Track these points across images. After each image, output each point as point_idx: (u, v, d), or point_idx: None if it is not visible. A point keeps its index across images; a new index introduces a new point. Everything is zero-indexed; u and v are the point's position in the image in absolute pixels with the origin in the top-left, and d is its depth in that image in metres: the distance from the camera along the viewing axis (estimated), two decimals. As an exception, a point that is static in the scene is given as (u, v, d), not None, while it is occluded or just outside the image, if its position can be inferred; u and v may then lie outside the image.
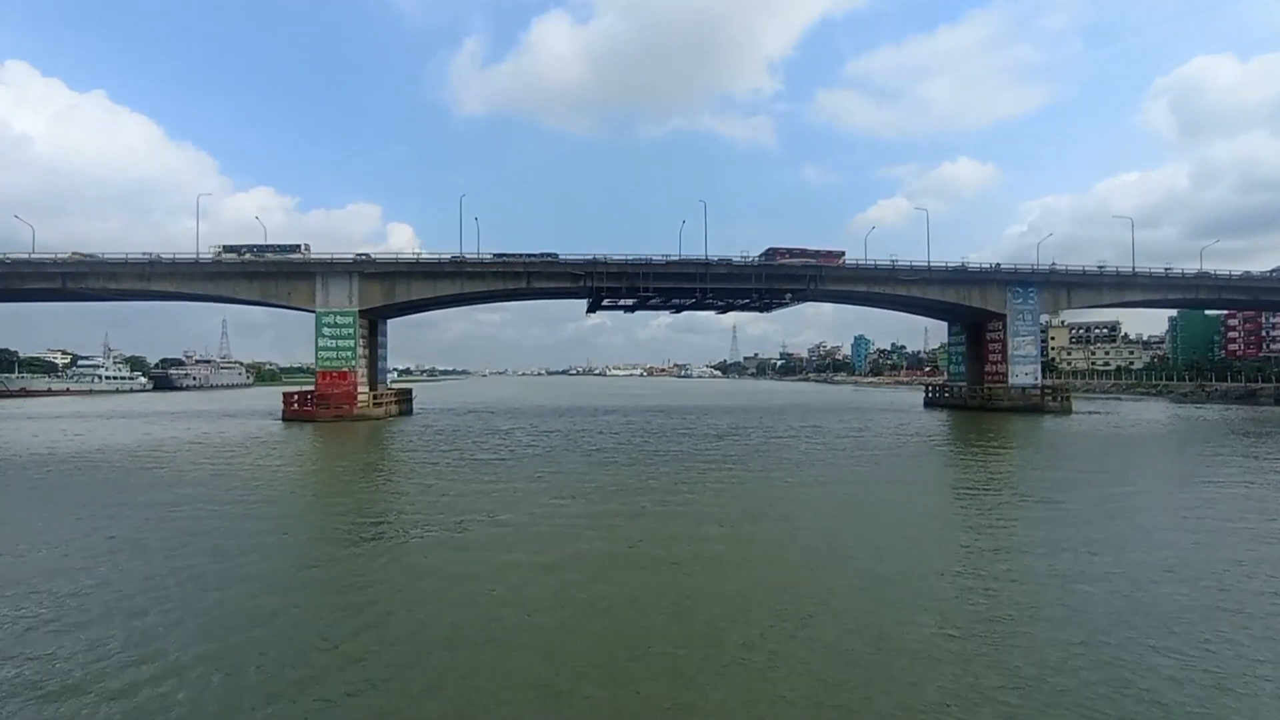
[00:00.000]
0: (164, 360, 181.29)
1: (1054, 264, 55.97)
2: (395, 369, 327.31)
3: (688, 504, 17.36)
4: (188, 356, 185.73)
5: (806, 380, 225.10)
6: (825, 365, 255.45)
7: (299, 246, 49.16)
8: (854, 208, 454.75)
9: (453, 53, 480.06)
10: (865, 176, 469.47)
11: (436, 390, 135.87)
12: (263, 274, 48.03)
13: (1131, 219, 74.38)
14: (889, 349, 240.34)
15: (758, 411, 57.66)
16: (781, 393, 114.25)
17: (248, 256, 47.60)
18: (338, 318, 48.89)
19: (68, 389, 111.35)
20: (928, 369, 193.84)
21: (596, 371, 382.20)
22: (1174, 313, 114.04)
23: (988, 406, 54.45)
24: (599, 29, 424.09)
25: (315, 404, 47.93)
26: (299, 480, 22.31)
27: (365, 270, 48.82)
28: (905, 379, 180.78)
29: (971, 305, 54.60)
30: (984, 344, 57.50)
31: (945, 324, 66.46)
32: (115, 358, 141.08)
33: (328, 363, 48.83)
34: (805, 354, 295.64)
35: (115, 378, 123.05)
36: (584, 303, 57.72)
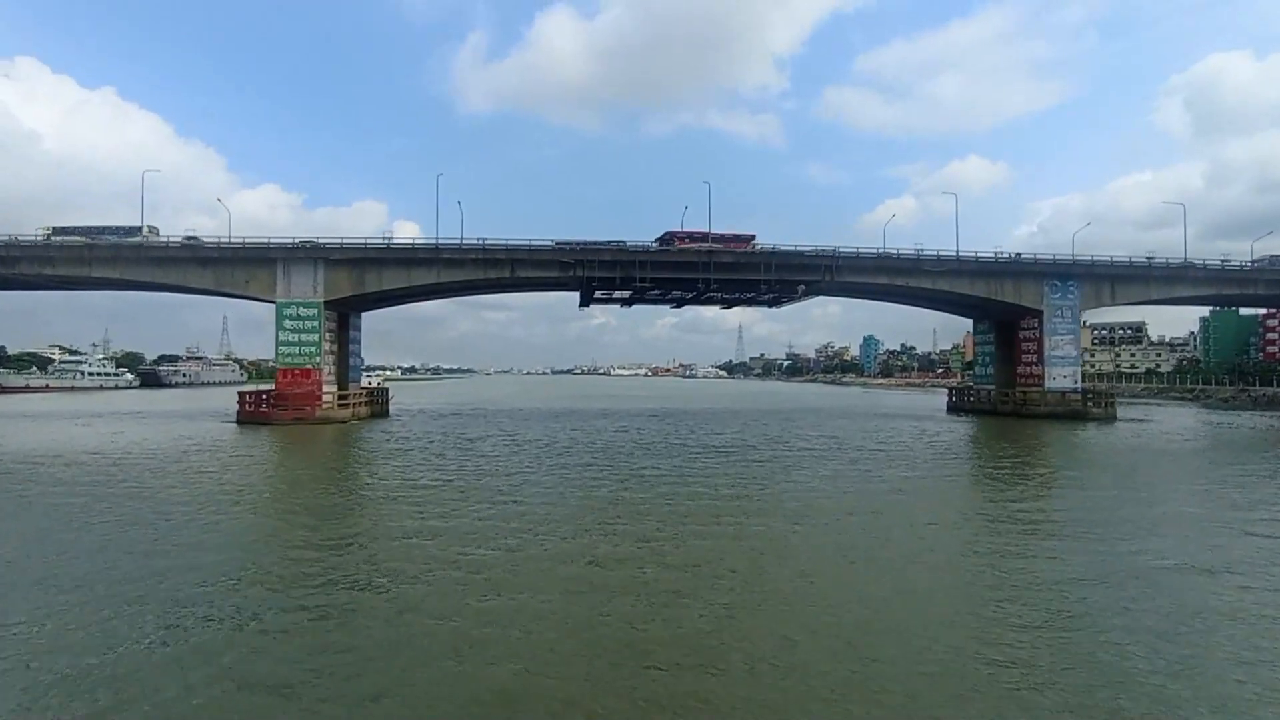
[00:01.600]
0: (161, 357, 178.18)
1: (1094, 256, 50.58)
2: (399, 367, 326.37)
3: (661, 571, 12.26)
4: (189, 353, 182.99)
5: (814, 381, 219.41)
6: (833, 366, 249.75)
7: (140, 229, 44.46)
8: (861, 206, 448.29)
9: (456, 48, 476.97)
10: (873, 175, 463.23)
11: (432, 389, 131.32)
12: (217, 260, 43.21)
13: (1183, 204, 68.59)
14: (898, 350, 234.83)
15: (765, 416, 52.48)
16: (789, 394, 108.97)
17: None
18: (300, 309, 44.01)
19: (47, 385, 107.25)
20: (939, 371, 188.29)
21: (601, 371, 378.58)
22: (1204, 312, 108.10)
23: (1022, 412, 49.09)
24: (604, 24, 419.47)
25: (272, 405, 43.08)
26: (169, 519, 17.36)
27: (331, 257, 43.92)
28: (917, 380, 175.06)
29: (1004, 300, 49.25)
30: (1016, 343, 52.13)
31: (967, 322, 61.51)
32: (102, 354, 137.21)
33: (289, 359, 43.96)
34: (812, 355, 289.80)
35: (100, 374, 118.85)
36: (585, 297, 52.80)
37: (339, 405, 44.50)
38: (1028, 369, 50.98)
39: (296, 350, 44.01)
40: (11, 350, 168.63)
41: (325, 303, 44.26)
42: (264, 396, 43.85)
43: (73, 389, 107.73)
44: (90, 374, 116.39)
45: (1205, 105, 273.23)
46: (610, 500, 17.94)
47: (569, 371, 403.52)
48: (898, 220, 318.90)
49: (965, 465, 25.82)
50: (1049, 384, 49.10)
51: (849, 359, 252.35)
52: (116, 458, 26.23)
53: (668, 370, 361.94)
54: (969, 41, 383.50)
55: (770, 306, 57.61)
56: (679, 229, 46.89)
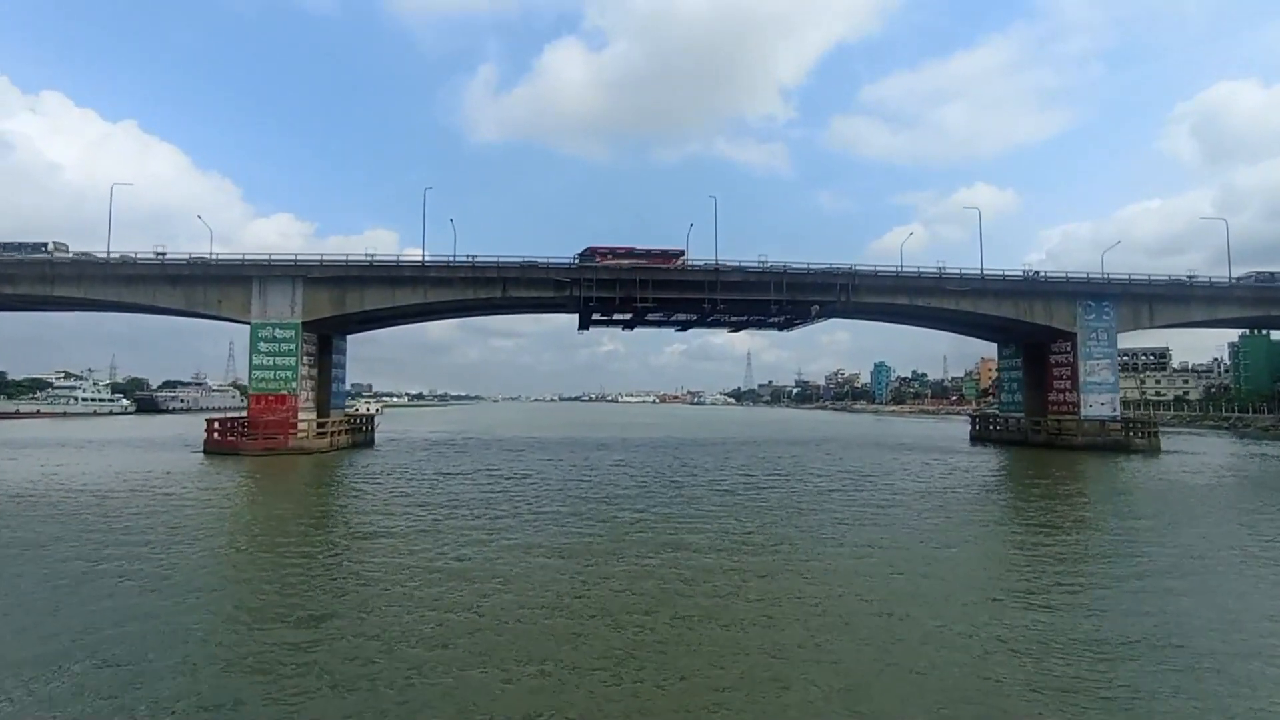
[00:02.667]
0: (165, 383, 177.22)
1: (1131, 275, 47.03)
2: (406, 394, 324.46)
3: (639, 683, 8.71)
4: (196, 379, 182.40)
5: (824, 408, 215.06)
6: (843, 393, 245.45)
7: (44, 245, 41.09)
8: (869, 234, 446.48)
9: (467, 80, 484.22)
10: (881, 203, 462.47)
11: (435, 416, 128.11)
12: (187, 278, 40.39)
13: (1225, 220, 65.00)
14: (909, 376, 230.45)
15: (776, 448, 48.72)
16: (799, 422, 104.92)
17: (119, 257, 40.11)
18: (276, 331, 40.99)
19: (38, 411, 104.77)
20: (953, 398, 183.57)
21: (609, 398, 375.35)
22: (1233, 337, 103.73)
23: (1056, 443, 45.10)
24: (612, 56, 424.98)
25: (241, 434, 39.83)
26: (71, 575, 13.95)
27: (310, 275, 41.01)
28: (931, 408, 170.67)
29: (1034, 322, 45.63)
30: (1047, 368, 48.34)
31: (978, 349, 57.83)
32: (106, 379, 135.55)
33: (263, 384, 40.80)
34: (822, 381, 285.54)
35: (94, 400, 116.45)
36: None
37: (316, 434, 41.17)
38: (1060, 396, 47.12)
39: (271, 375, 40.88)
40: (16, 376, 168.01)
41: (304, 324, 41.24)
42: (232, 424, 40.61)
43: (65, 415, 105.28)
44: (84, 399, 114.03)
45: (1213, 133, 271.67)
46: (586, 572, 14.37)
47: (577, 399, 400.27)
48: (906, 247, 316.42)
49: (1012, 511, 22.06)
50: (1085, 412, 45.19)
51: (859, 386, 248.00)
52: (36, 497, 22.90)
53: (676, 398, 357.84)
54: (973, 71, 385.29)
55: (781, 329, 54.21)
56: (600, 245, 43.52)
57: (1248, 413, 78.47)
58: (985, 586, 12.58)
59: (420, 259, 42.29)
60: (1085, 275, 45.78)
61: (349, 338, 51.16)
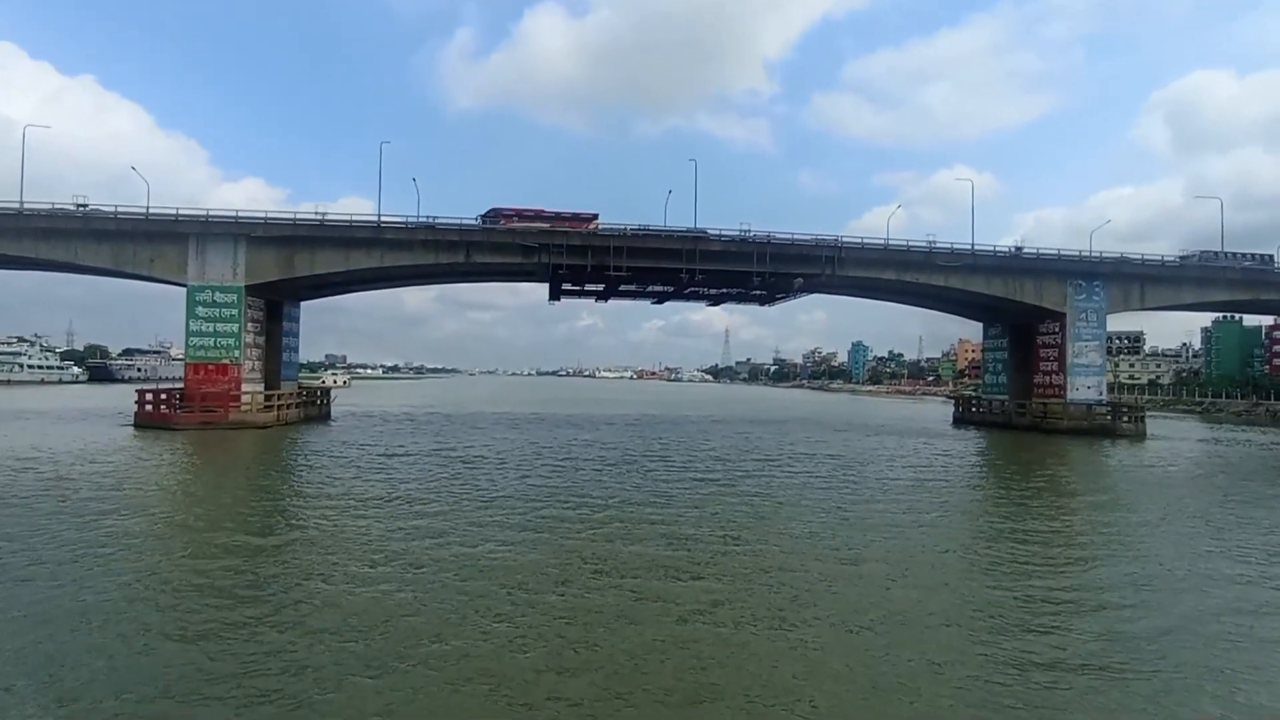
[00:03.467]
0: (125, 350, 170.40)
1: (1123, 253, 45.50)
2: (381, 365, 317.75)
3: None
4: (159, 346, 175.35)
5: (801, 387, 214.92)
6: (820, 372, 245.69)
7: None
8: (849, 213, 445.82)
9: (444, 43, 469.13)
10: (861, 183, 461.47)
11: (406, 390, 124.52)
12: (115, 234, 36.67)
13: (1220, 200, 63.88)
14: (886, 356, 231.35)
15: (754, 428, 46.76)
16: (777, 401, 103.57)
17: (88, 208, 36.20)
18: (216, 294, 37.60)
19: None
20: (930, 379, 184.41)
21: (586, 373, 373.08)
22: (1206, 322, 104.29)
23: (1042, 426, 43.73)
24: (594, 23, 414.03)
25: (176, 406, 36.64)
26: None
27: (254, 234, 37.55)
28: (907, 388, 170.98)
29: (1024, 301, 43.92)
30: (1034, 350, 46.87)
31: (954, 331, 56.29)
32: (55, 345, 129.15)
33: (201, 353, 37.54)
34: (800, 360, 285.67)
35: (41, 367, 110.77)
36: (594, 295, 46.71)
37: (261, 408, 38.05)
38: (1046, 378, 45.72)
39: (211, 343, 37.61)
40: None
41: (247, 288, 37.91)
42: (166, 396, 37.32)
43: (9, 383, 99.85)
44: (30, 367, 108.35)
45: (1186, 122, 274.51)
46: (537, 570, 11.98)
47: (554, 373, 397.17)
48: (886, 227, 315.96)
49: (1007, 502, 20.14)
50: (1071, 395, 43.83)
51: (837, 365, 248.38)
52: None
53: (654, 373, 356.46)
54: (958, 51, 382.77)
55: (762, 304, 51.99)
56: (505, 206, 40.73)
57: (1220, 398, 78.61)
58: (998, 607, 10.46)
59: (376, 219, 38.88)
60: (1078, 253, 44.08)
61: (303, 305, 47.81)
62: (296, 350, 47.60)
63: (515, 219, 39.76)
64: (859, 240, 42.76)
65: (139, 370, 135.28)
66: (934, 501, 19.13)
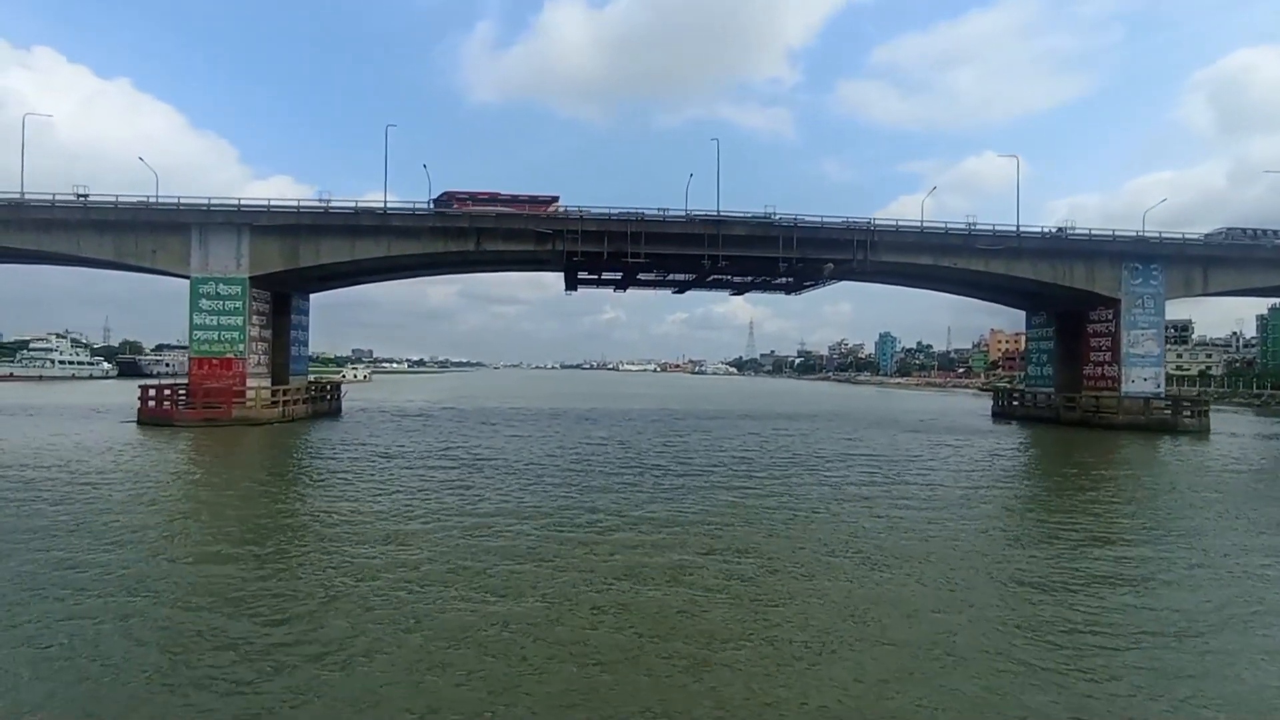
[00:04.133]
0: (159, 346, 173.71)
1: (1184, 234, 41.96)
2: (406, 360, 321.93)
3: None
4: (179, 342, 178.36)
5: (827, 380, 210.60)
6: (847, 364, 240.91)
7: None
8: (874, 203, 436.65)
9: (464, 37, 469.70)
10: (887, 171, 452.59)
11: (429, 383, 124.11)
12: (115, 224, 35.49)
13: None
14: (914, 348, 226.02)
15: (781, 423, 44.32)
16: (803, 394, 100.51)
17: (88, 197, 35.05)
18: (220, 287, 36.32)
19: (11, 374, 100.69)
20: (960, 370, 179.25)
21: (610, 366, 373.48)
22: (1265, 310, 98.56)
23: (1093, 422, 40.56)
24: (613, 13, 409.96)
25: (176, 402, 35.47)
26: None
27: (257, 222, 36.13)
28: (937, 380, 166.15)
29: (1073, 287, 40.69)
30: (1084, 339, 43.58)
31: (983, 322, 52.89)
32: (91, 341, 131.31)
33: (205, 347, 36.29)
34: (825, 352, 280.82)
35: (72, 363, 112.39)
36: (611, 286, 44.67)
37: (266, 403, 36.71)
38: (1098, 370, 42.46)
39: (215, 336, 36.36)
40: (10, 338, 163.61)
41: (252, 279, 36.55)
42: (169, 392, 36.18)
43: (40, 379, 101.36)
44: (61, 362, 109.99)
45: (1230, 101, 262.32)
46: (526, 622, 9.95)
47: (578, 366, 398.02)
48: (910, 214, 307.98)
49: (1079, 512, 17.58)
50: (1126, 388, 40.57)
51: (864, 357, 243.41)
52: None
53: (677, 366, 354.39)
54: (988, 33, 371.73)
55: (788, 293, 49.34)
56: (458, 190, 38.51)
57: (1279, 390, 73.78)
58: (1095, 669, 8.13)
59: (382, 206, 37.20)
60: (1134, 233, 40.66)
61: (325, 299, 46.67)
62: (306, 344, 46.37)
63: (469, 202, 37.82)
64: (893, 223, 39.95)
65: (167, 366, 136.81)
66: (990, 516, 16.69)
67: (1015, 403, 49.89)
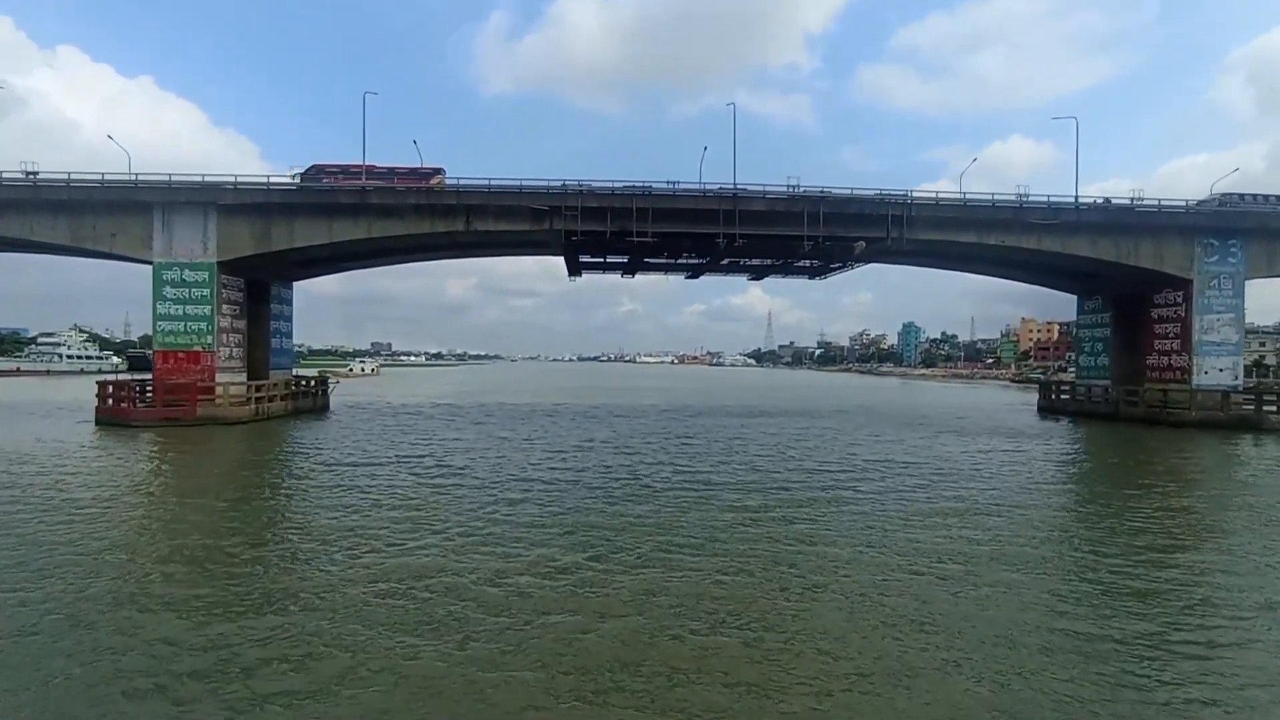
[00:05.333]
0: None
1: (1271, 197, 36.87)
2: (424, 353, 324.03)
3: None
4: None
5: (848, 371, 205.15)
6: (869, 355, 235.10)
7: None
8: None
9: (478, 28, 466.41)
10: (909, 159, 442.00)
11: (439, 376, 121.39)
12: (68, 204, 32.31)
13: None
14: (939, 338, 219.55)
15: (801, 421, 40.19)
16: (824, 386, 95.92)
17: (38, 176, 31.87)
18: (185, 273, 33.04)
19: (18, 369, 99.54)
20: (989, 361, 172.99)
21: (627, 358, 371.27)
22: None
23: (1161, 418, 35.90)
24: (629, 2, 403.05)
25: (135, 400, 32.34)
26: None
27: (223, 200, 32.75)
28: (964, 371, 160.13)
29: (1139, 265, 35.97)
30: (1146, 325, 38.84)
31: (1007, 312, 48.15)
32: (94, 335, 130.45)
33: (170, 339, 33.08)
34: (846, 343, 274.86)
35: (80, 357, 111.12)
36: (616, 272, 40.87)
37: (235, 401, 33.40)
38: (1164, 360, 37.72)
39: (181, 328, 33.12)
40: (33, 332, 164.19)
41: (221, 264, 33.23)
42: (127, 388, 33.02)
43: (48, 373, 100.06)
44: (69, 356, 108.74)
45: (1270, 81, 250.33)
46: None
47: (596, 359, 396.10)
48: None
49: (1188, 547, 13.40)
50: (1199, 380, 35.85)
51: (886, 348, 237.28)
52: None
53: (695, 358, 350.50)
54: (1016, 12, 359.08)
55: (812, 277, 45.03)
56: (328, 163, 34.89)
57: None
58: None
59: (360, 183, 33.60)
60: (1217, 198, 35.75)
61: (296, 285, 43.30)
62: (290, 335, 43.13)
63: (340, 175, 34.23)
64: (932, 196, 35.51)
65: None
66: (1072, 556, 12.59)
67: (1065, 396, 45.17)
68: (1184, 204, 35.94)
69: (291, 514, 14.89)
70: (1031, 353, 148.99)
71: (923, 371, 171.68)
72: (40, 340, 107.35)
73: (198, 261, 33.03)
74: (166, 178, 32.70)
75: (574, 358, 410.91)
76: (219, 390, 33.14)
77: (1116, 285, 40.22)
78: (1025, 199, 34.89)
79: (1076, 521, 14.89)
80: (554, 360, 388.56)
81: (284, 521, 14.14)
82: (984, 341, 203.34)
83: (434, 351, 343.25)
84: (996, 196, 35.35)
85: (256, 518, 14.42)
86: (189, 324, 33.09)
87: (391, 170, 34.59)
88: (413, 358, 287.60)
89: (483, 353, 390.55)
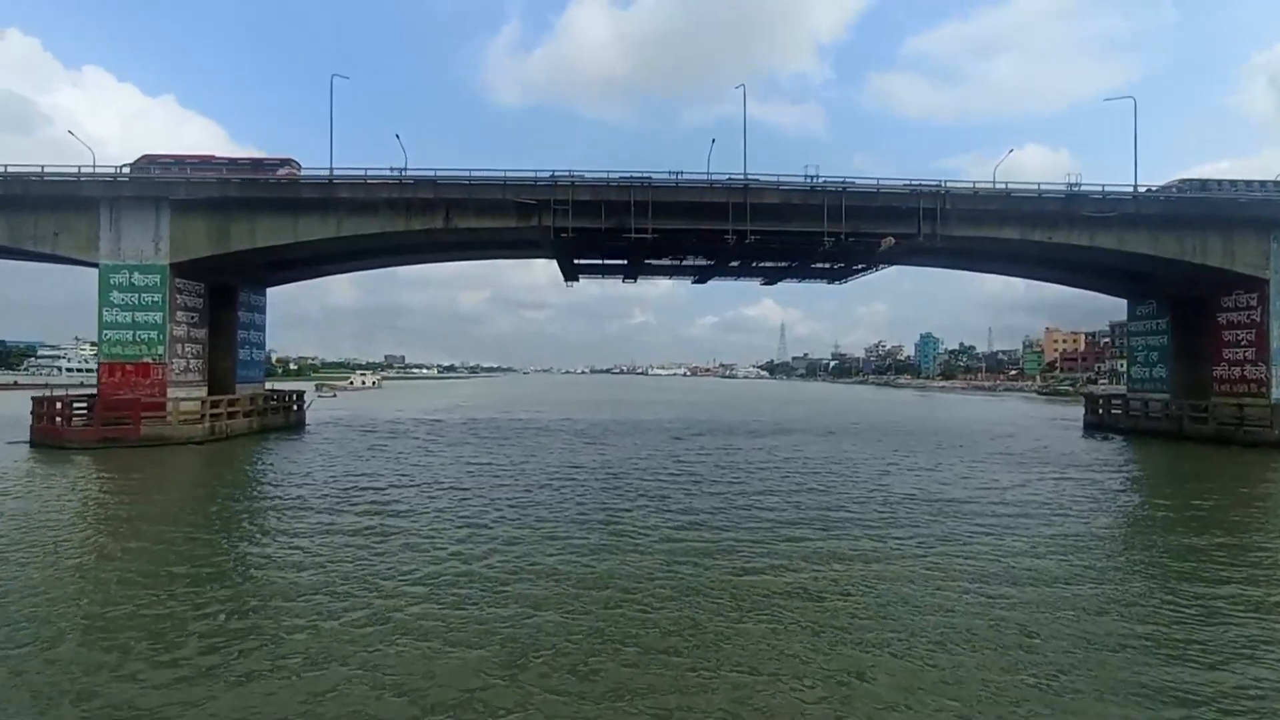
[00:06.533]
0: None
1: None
2: (437, 365, 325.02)
3: None
4: None
5: (864, 382, 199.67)
6: (885, 367, 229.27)
7: None
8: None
9: (488, 40, 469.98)
10: (921, 168, 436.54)
11: (444, 389, 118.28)
12: (8, 201, 29.18)
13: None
14: (957, 349, 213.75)
15: (820, 443, 36.13)
16: (841, 400, 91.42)
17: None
18: (135, 276, 29.78)
19: (15, 382, 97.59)
20: (1013, 372, 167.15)
21: (639, 370, 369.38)
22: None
23: (1234, 438, 31.37)
24: (639, 11, 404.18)
25: (70, 417, 28.99)
26: None
27: (174, 195, 29.49)
28: (986, 383, 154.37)
29: (1206, 264, 31.66)
30: (1211, 331, 34.44)
31: (1027, 324, 43.96)
32: (88, 348, 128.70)
33: (117, 350, 29.76)
34: (861, 354, 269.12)
35: (81, 370, 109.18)
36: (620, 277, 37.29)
37: (188, 418, 29.90)
38: (1235, 370, 33.27)
39: (130, 337, 29.79)
40: (55, 340, 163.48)
41: (174, 266, 29.93)
42: (63, 405, 29.66)
43: (45, 386, 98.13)
44: (69, 369, 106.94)
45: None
46: None
47: (608, 371, 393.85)
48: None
49: None
50: (1277, 392, 31.39)
51: (903, 359, 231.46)
52: None
53: (707, 370, 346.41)
54: (1032, 17, 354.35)
55: (832, 281, 41.02)
56: (158, 153, 31.73)
57: None
58: None
59: (327, 173, 30.23)
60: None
61: (270, 291, 39.98)
62: (262, 346, 39.82)
63: (174, 168, 30.82)
64: (969, 186, 31.55)
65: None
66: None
67: (1116, 411, 40.61)
68: (1261, 184, 31.58)
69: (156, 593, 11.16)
70: (1057, 363, 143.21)
71: (942, 383, 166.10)
72: (41, 353, 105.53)
73: (149, 263, 29.76)
74: (113, 170, 29.56)
75: (586, 370, 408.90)
76: (176, 407, 29.74)
77: (1175, 286, 35.90)
78: (1076, 187, 30.78)
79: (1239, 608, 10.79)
80: (566, 372, 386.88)
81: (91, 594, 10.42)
82: (1004, 352, 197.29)
83: (447, 364, 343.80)
84: (1044, 186, 31.32)
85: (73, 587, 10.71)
86: (138, 333, 29.75)
87: (233, 161, 31.34)
88: (424, 370, 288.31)
89: (495, 365, 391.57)
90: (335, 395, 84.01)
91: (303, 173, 30.67)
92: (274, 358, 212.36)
